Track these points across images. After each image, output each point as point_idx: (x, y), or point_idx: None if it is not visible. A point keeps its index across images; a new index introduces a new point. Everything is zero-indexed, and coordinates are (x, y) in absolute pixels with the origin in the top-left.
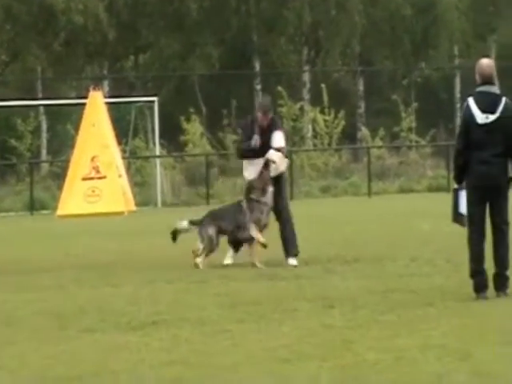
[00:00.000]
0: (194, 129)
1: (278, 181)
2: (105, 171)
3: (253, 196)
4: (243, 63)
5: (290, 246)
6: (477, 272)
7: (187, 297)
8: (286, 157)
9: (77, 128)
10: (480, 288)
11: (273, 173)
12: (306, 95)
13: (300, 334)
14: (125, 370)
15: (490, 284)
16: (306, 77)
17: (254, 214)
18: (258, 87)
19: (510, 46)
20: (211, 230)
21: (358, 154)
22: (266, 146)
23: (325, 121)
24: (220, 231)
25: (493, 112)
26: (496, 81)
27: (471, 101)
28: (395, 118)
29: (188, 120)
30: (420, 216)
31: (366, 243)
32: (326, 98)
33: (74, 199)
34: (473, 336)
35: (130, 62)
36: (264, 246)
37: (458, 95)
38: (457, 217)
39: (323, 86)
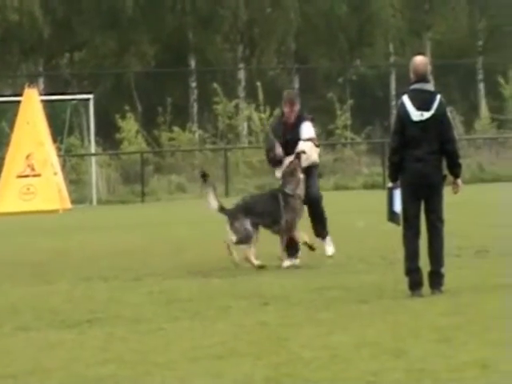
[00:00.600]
0: (130, 126)
1: (310, 171)
2: (40, 169)
3: (287, 190)
4: (178, 61)
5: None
6: (411, 270)
7: (122, 295)
8: (318, 146)
9: (12, 125)
10: (415, 286)
11: (304, 163)
12: (242, 93)
13: (234, 331)
14: (59, 368)
15: (426, 281)
16: (242, 74)
17: (289, 214)
18: (194, 85)
19: (445, 44)
20: (246, 223)
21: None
22: (295, 143)
23: (260, 118)
24: (254, 224)
25: (427, 109)
26: (430, 78)
27: (406, 98)
28: (331, 116)
29: (123, 118)
30: (355, 213)
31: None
32: (261, 95)
33: (9, 197)
34: (407, 333)
35: (65, 59)
36: (311, 248)
37: (393, 93)
38: (391, 215)
39: (258, 83)
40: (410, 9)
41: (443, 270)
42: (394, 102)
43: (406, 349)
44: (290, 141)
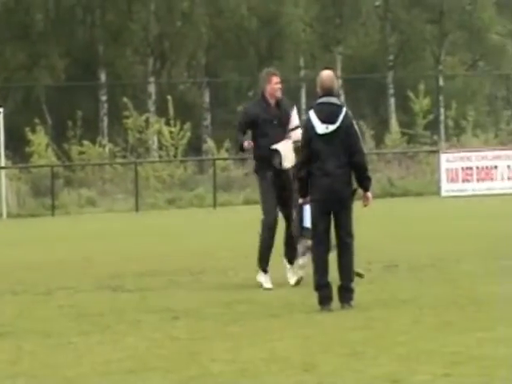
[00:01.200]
0: (40, 140)
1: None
2: None
3: None
4: (89, 74)
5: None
6: (321, 285)
7: (32, 309)
8: None
9: None
10: (324, 300)
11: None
12: (152, 107)
13: (145, 345)
14: None
15: (336, 296)
16: (152, 88)
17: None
18: (104, 98)
19: (356, 58)
20: None
21: (204, 165)
22: (282, 124)
23: (170, 132)
24: None
25: (333, 122)
26: (340, 92)
27: (311, 112)
28: None
29: (33, 131)
30: None
31: (210, 255)
32: (171, 109)
33: None
34: (317, 348)
35: None
36: None
37: (303, 107)
38: (302, 231)
39: (169, 97)
40: (320, 23)
41: (353, 284)
42: (304, 117)
43: (316, 363)
44: (279, 120)
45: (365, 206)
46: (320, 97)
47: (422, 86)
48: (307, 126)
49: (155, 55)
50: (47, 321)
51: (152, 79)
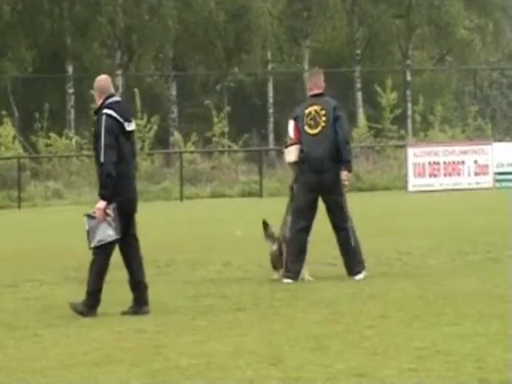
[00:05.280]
0: (7, 132)
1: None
2: None
3: None
4: (56, 66)
5: None
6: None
7: None
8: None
9: None
10: None
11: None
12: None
13: (111, 338)
14: None
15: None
16: (119, 81)
17: None
18: (71, 91)
19: (324, 52)
20: None
21: (171, 158)
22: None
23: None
24: None
25: (131, 120)
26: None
27: (111, 111)
28: (208, 123)
29: (0, 123)
30: (232, 221)
31: (177, 248)
32: (138, 102)
33: None
34: (284, 342)
35: None
36: None
37: (270, 100)
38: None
39: (136, 90)
40: (288, 16)
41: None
42: (271, 110)
43: (282, 357)
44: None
45: None
46: (109, 97)
47: (389, 81)
48: (113, 126)
49: (122, 48)
50: (13, 313)
51: (119, 72)
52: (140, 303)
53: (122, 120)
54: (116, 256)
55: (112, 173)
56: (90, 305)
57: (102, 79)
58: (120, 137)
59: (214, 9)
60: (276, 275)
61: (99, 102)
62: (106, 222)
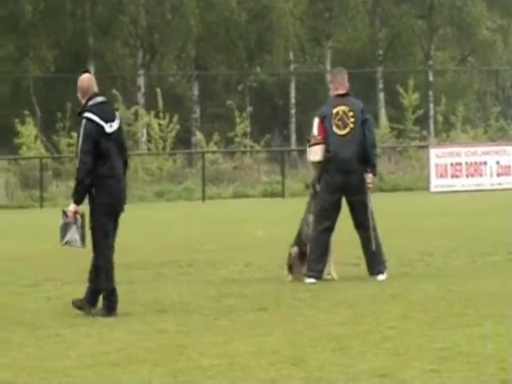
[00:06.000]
0: (29, 131)
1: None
2: None
3: None
4: (78, 66)
5: None
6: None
7: (20, 300)
8: (311, 145)
9: None
10: None
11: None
12: (141, 99)
13: (133, 338)
14: None
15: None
16: (141, 81)
17: None
18: None
19: (346, 52)
20: None
21: (193, 158)
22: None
23: (159, 125)
24: None
25: (114, 120)
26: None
27: (91, 114)
28: (230, 123)
29: (22, 123)
30: (254, 221)
31: (199, 248)
32: (160, 102)
33: None
34: (305, 342)
35: None
36: None
37: (293, 101)
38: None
39: (158, 90)
40: (310, 17)
41: None
42: (293, 110)
43: (304, 357)
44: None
45: None
46: (92, 97)
47: (411, 81)
48: (93, 128)
49: (145, 48)
50: (35, 313)
51: (141, 72)
52: (92, 300)
53: (102, 122)
54: (138, 255)
55: (85, 180)
56: (107, 306)
57: (85, 79)
58: (101, 139)
59: (236, 8)
60: (290, 277)
61: (83, 101)
62: (75, 226)
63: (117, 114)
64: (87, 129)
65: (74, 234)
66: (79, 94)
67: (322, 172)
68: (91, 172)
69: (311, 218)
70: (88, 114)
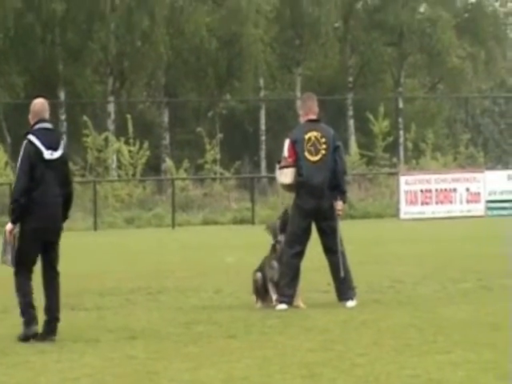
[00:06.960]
0: None
1: None
2: None
3: None
4: (48, 93)
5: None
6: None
7: None
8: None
9: None
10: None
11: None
12: (111, 126)
13: (103, 364)
14: None
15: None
16: (111, 107)
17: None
18: (63, 117)
19: (316, 79)
20: None
21: (163, 185)
22: None
23: (129, 151)
24: None
25: (56, 148)
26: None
27: (33, 137)
28: (200, 150)
29: None
30: (224, 248)
31: (169, 274)
32: (130, 128)
33: None
34: (275, 369)
35: None
36: None
37: (263, 127)
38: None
39: (128, 116)
40: (280, 44)
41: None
42: (263, 137)
43: None
44: None
45: None
46: (38, 122)
47: (381, 108)
48: (31, 151)
49: (115, 74)
50: (4, 339)
51: (111, 98)
52: (48, 332)
53: (42, 148)
54: (108, 281)
55: (20, 199)
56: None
57: (38, 103)
58: (38, 165)
59: (206, 36)
60: (259, 304)
61: (31, 124)
62: (10, 246)
63: (62, 144)
64: (26, 150)
65: (7, 254)
66: (30, 116)
67: (293, 196)
68: (27, 192)
69: (275, 264)
70: (30, 136)
